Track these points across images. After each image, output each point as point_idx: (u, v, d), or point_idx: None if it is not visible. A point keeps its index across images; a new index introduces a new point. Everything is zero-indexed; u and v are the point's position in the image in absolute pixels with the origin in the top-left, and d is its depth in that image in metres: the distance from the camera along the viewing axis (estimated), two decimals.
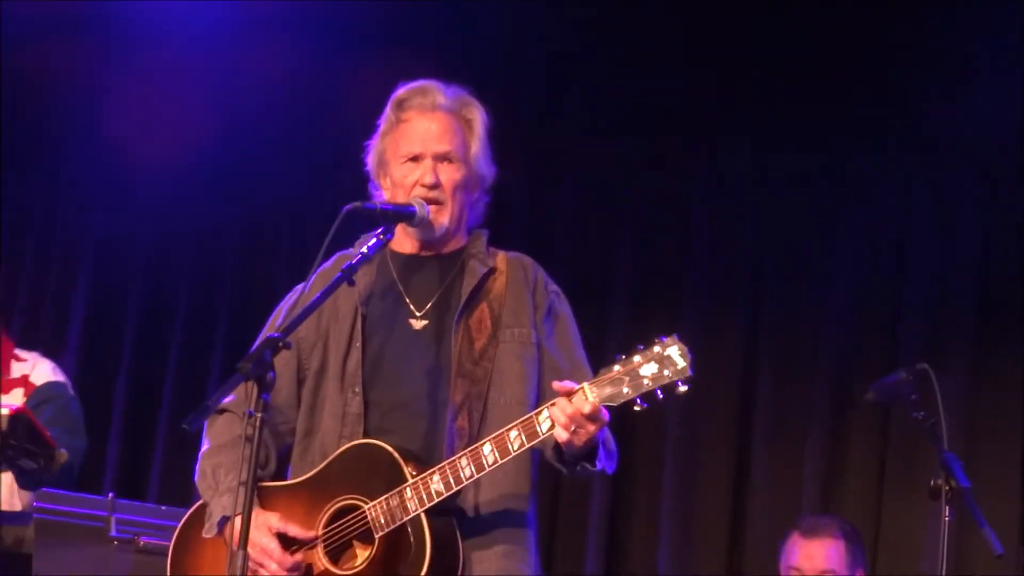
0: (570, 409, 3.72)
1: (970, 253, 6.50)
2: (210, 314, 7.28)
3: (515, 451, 3.80)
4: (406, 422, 4.02)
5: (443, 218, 4.11)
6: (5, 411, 5.23)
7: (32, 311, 7.40)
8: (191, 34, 7.30)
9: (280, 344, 3.71)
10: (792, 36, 6.70)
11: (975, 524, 4.66)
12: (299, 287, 4.11)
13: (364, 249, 4.00)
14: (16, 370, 5.76)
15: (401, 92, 4.21)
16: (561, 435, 3.74)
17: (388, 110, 4.21)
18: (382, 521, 3.87)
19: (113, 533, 5.03)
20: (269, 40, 7.21)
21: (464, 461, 3.83)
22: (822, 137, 6.71)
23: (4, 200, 7.13)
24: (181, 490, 6.50)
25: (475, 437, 3.93)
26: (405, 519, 3.85)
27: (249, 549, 3.68)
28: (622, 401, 3.70)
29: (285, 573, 3.91)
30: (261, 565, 3.92)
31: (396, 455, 3.90)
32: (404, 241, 4.18)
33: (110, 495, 5.12)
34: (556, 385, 3.77)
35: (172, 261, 7.39)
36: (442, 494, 3.84)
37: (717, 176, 6.86)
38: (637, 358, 3.70)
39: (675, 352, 3.68)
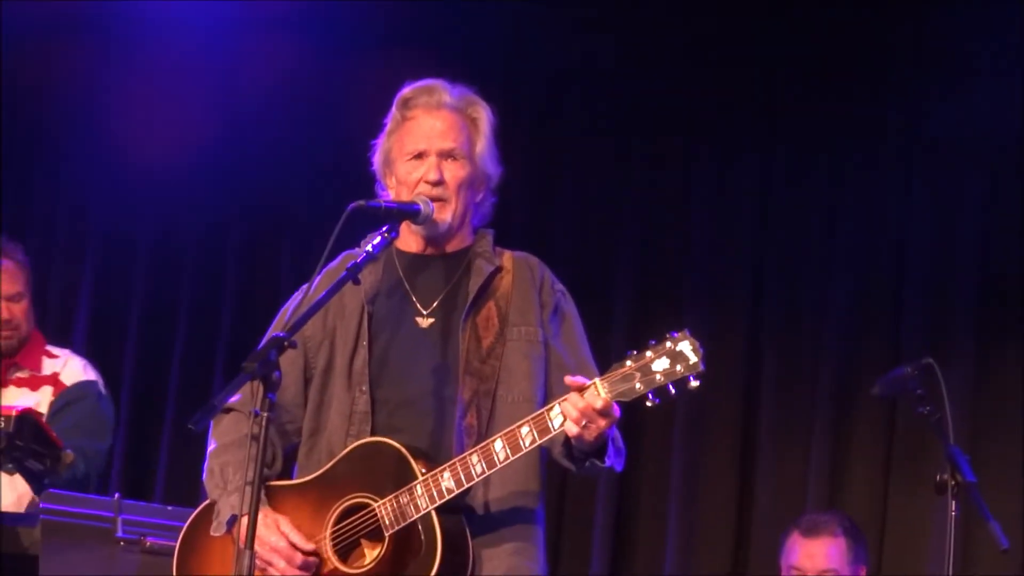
0: (582, 404, 3.72)
1: (970, 253, 6.51)
2: (213, 314, 7.27)
3: (527, 447, 3.80)
4: (414, 420, 4.01)
5: (447, 215, 4.10)
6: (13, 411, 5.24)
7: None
8: (191, 34, 7.29)
9: (285, 343, 3.71)
10: (792, 36, 6.71)
11: (981, 518, 4.67)
12: (305, 287, 4.11)
13: (369, 248, 3.99)
14: (47, 367, 5.79)
15: (407, 91, 4.20)
16: (572, 430, 3.74)
17: (394, 108, 4.20)
18: (392, 519, 3.86)
19: (119, 534, 5.02)
20: (269, 40, 7.20)
21: (475, 458, 3.83)
22: (822, 137, 6.73)
23: (4, 200, 7.12)
24: (187, 490, 6.50)
25: (484, 435, 3.93)
26: (415, 517, 3.84)
27: (258, 548, 3.69)
28: (634, 396, 3.71)
29: (294, 572, 3.91)
30: (270, 563, 3.91)
31: (405, 453, 3.90)
32: (409, 240, 4.17)
33: (116, 495, 5.10)
34: (568, 380, 3.77)
35: (174, 261, 7.38)
36: (453, 491, 3.83)
37: (717, 176, 6.87)
38: (649, 353, 3.70)
39: (687, 347, 3.69)
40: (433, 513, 3.84)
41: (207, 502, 4.08)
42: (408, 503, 3.85)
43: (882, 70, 6.66)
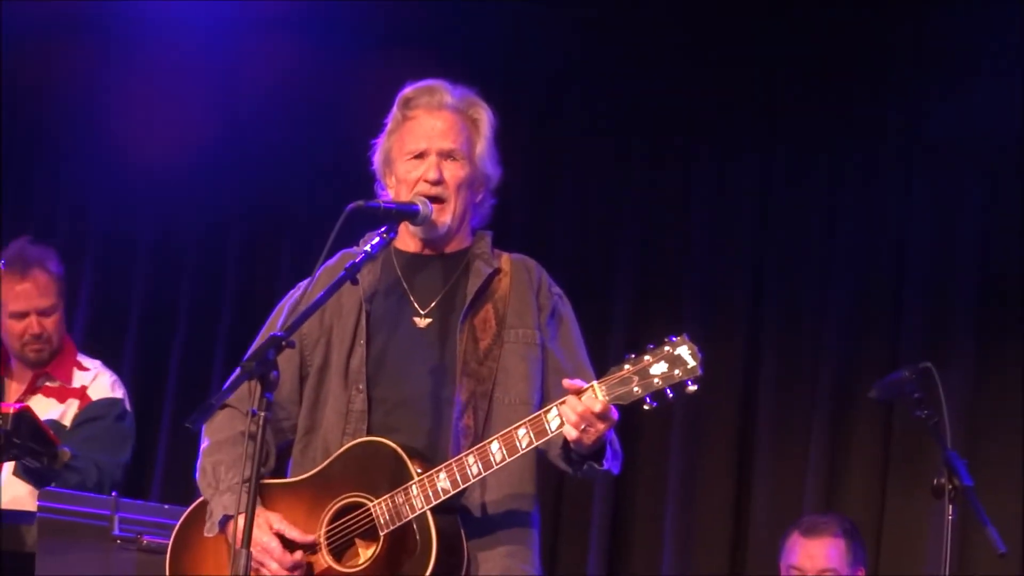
0: (580, 407, 3.72)
1: (970, 253, 6.50)
2: (212, 313, 7.27)
3: (523, 449, 3.80)
4: (410, 420, 4.02)
5: (445, 216, 4.11)
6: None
7: None
8: (191, 34, 7.29)
9: (284, 343, 3.72)
10: (792, 36, 6.71)
11: (978, 523, 4.67)
12: (301, 284, 4.11)
13: (368, 248, 4.00)
14: (77, 379, 5.82)
15: (408, 91, 4.21)
16: (571, 433, 3.75)
17: (395, 108, 4.21)
18: (387, 519, 3.87)
19: (116, 532, 5.01)
20: (269, 40, 7.21)
21: (471, 459, 3.83)
22: (822, 137, 6.72)
23: (4, 200, 7.13)
24: (184, 489, 6.47)
25: (480, 436, 3.93)
26: (411, 517, 3.84)
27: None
28: (632, 400, 3.72)
29: (286, 572, 3.91)
30: (262, 564, 3.91)
31: (401, 452, 3.90)
32: (408, 240, 4.18)
33: (113, 494, 5.09)
34: (566, 383, 3.78)
35: (173, 261, 7.38)
36: (448, 492, 3.84)
37: (717, 176, 6.86)
38: (647, 357, 3.71)
39: (685, 351, 3.70)
40: (428, 513, 3.84)
41: (199, 500, 4.09)
42: (404, 503, 3.86)
43: (882, 70, 6.65)
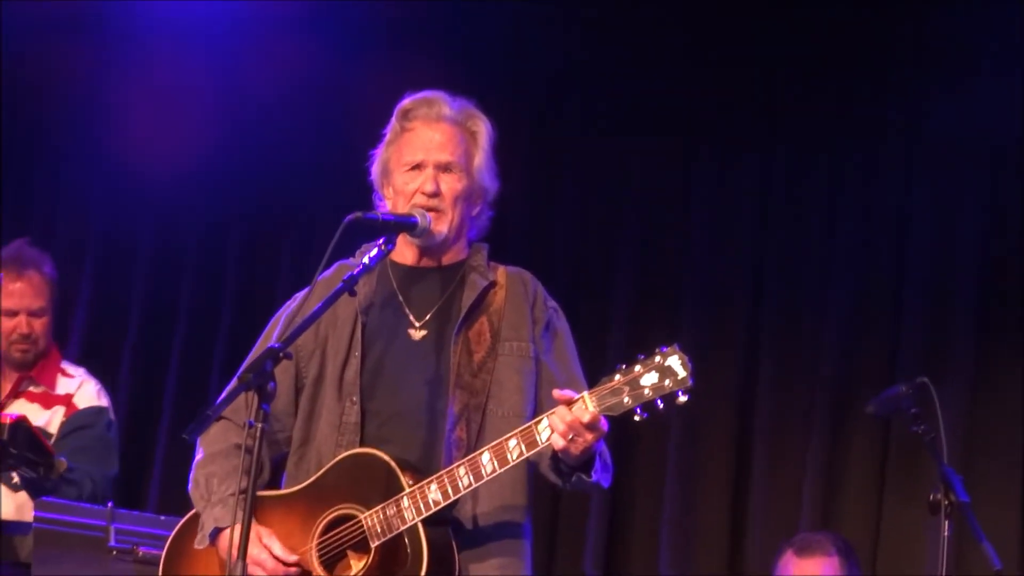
0: (569, 417, 3.72)
1: (970, 253, 6.50)
2: (211, 322, 7.26)
3: (514, 460, 3.80)
4: (404, 432, 4.01)
5: (442, 227, 4.10)
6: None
7: None
8: (192, 34, 7.29)
9: (281, 355, 3.73)
10: (792, 36, 6.70)
11: (974, 539, 4.66)
12: (298, 295, 4.12)
13: (365, 260, 4.01)
14: (61, 386, 5.80)
15: (407, 102, 4.20)
16: (558, 443, 3.74)
17: (393, 119, 4.21)
18: (378, 530, 3.87)
19: (112, 543, 5.02)
20: (269, 41, 7.20)
21: (462, 470, 3.83)
22: (822, 137, 6.72)
23: (4, 200, 7.13)
24: (180, 500, 6.39)
25: (473, 448, 3.93)
26: (402, 528, 3.85)
27: None
28: (622, 411, 3.71)
29: None
30: None
31: (393, 464, 3.90)
32: (404, 251, 4.17)
33: (109, 504, 5.11)
34: (556, 393, 3.78)
35: (174, 261, 7.38)
36: (440, 503, 3.84)
37: (717, 176, 6.86)
38: (637, 367, 3.71)
39: (676, 362, 3.69)
40: (420, 525, 3.84)
41: (192, 512, 4.10)
42: (395, 515, 3.86)
43: (882, 70, 6.65)
